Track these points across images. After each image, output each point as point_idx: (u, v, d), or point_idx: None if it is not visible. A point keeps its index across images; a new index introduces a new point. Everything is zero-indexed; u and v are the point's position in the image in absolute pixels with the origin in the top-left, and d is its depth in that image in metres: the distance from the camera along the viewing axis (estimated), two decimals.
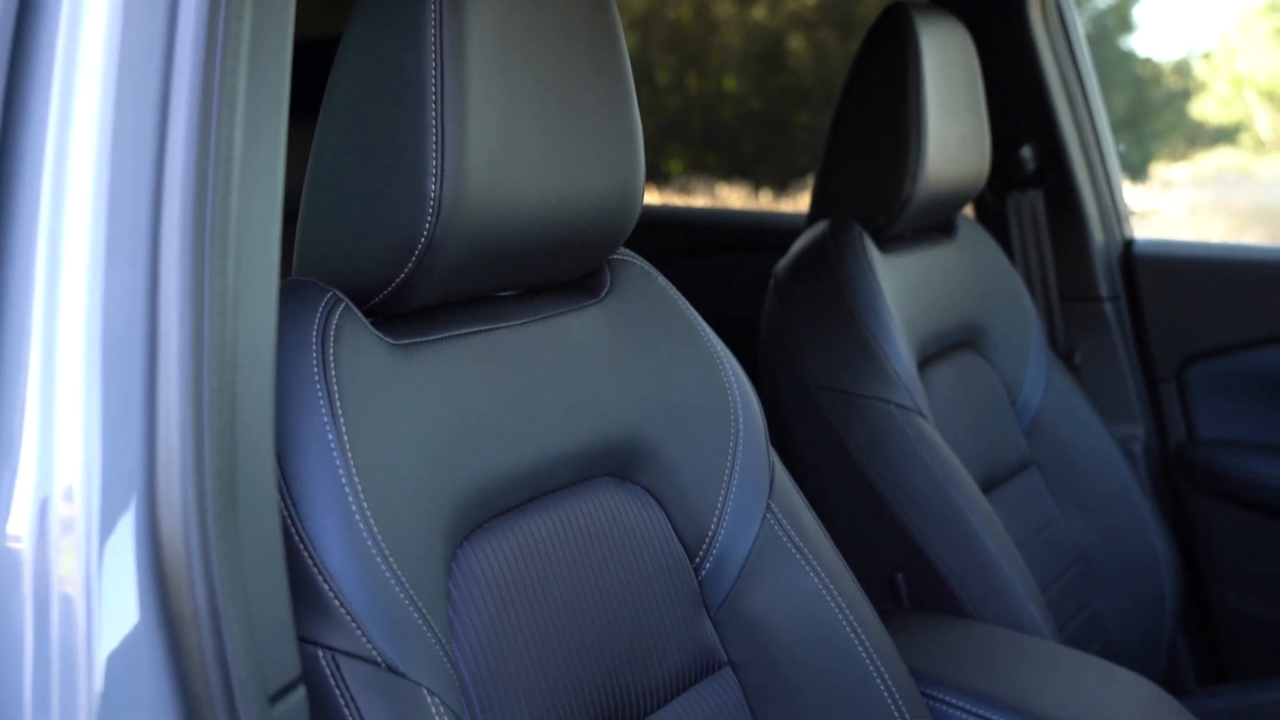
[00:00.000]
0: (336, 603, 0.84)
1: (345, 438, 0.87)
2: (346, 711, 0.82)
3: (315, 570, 0.83)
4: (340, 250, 0.96)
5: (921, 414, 1.67)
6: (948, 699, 1.33)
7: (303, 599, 0.83)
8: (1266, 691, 1.89)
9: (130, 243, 0.66)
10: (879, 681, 1.17)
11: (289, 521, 0.84)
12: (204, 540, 0.64)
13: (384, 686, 0.83)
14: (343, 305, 0.93)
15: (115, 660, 0.65)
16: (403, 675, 0.85)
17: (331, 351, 0.89)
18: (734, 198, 4.61)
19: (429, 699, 0.85)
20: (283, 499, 0.85)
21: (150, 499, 0.64)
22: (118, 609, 0.65)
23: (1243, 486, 2.10)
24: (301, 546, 0.84)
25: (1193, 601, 2.17)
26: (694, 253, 2.67)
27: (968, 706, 1.32)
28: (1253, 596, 2.11)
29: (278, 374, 0.79)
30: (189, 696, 0.64)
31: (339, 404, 0.88)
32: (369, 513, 0.86)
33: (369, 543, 0.86)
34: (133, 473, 0.65)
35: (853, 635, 1.17)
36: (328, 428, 0.87)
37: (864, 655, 1.17)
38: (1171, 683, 2.01)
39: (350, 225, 0.96)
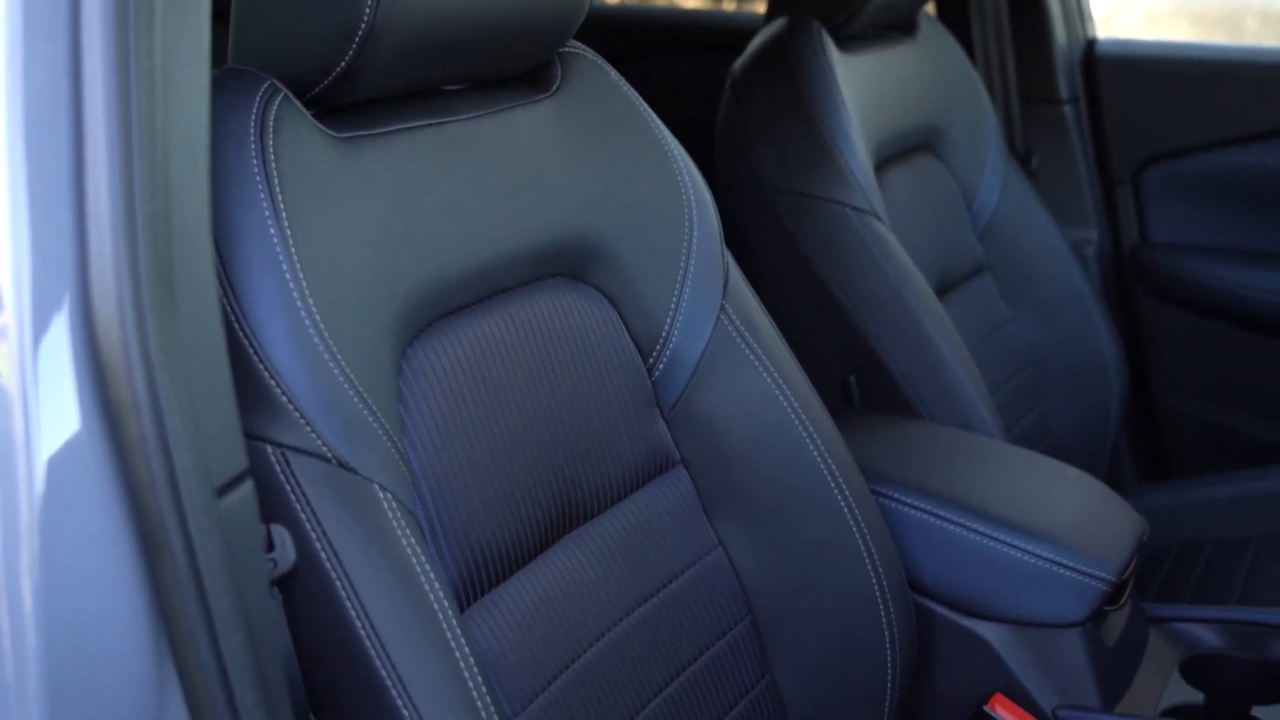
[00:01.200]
0: (284, 398, 0.82)
1: (288, 231, 0.85)
2: (298, 507, 0.81)
3: (261, 365, 0.82)
4: (278, 37, 0.92)
5: (877, 217, 1.65)
6: (897, 496, 1.35)
7: (249, 395, 0.81)
8: (1205, 488, 1.95)
9: (49, 17, 0.62)
10: (830, 479, 1.18)
11: (231, 316, 0.82)
12: (141, 330, 0.62)
13: (335, 482, 0.83)
14: (281, 95, 0.90)
15: (56, 459, 0.64)
16: (354, 471, 0.84)
17: (271, 142, 0.86)
18: None
19: (381, 495, 0.85)
20: (224, 293, 0.83)
21: (84, 289, 0.62)
22: (56, 405, 0.63)
23: (1193, 289, 2.12)
24: (246, 342, 0.82)
25: (1138, 403, 2.21)
26: (648, 53, 2.60)
27: (916, 503, 1.34)
28: (1197, 397, 2.15)
29: (214, 166, 0.76)
30: (133, 489, 0.63)
31: (280, 197, 0.85)
32: (314, 308, 0.85)
33: (315, 338, 0.84)
34: (64, 262, 0.63)
35: (805, 435, 1.18)
36: (269, 221, 0.84)
37: (815, 454, 1.18)
38: (1114, 482, 2.06)
39: (288, 10, 0.91)
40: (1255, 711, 1.35)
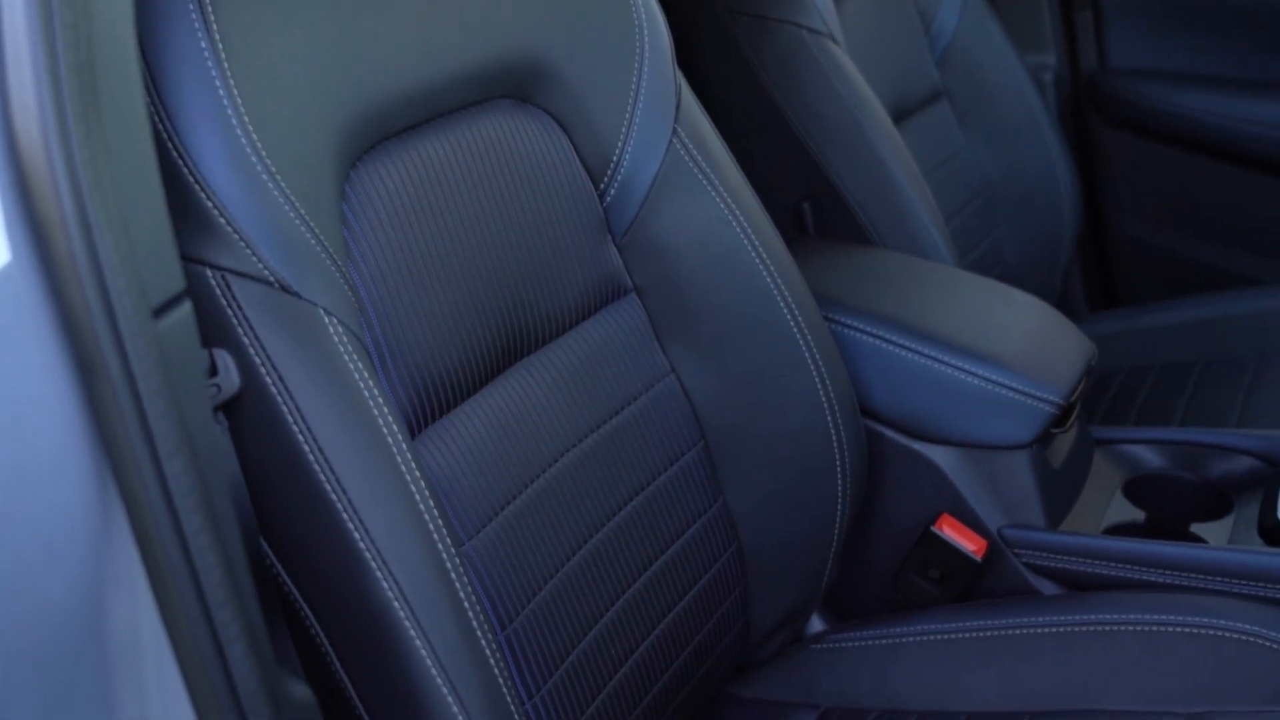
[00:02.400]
0: (222, 220, 0.80)
1: (220, 45, 0.81)
2: (240, 331, 0.80)
3: (197, 186, 0.79)
4: None
5: (834, 39, 1.62)
6: (849, 322, 1.35)
7: (186, 217, 0.79)
8: (1154, 314, 1.97)
9: None
10: (782, 305, 1.17)
11: (164, 135, 0.79)
12: (65, 144, 0.59)
13: (278, 306, 0.81)
14: None
15: None
16: (297, 295, 0.82)
17: None
18: None
19: (326, 319, 0.84)
20: (156, 112, 0.79)
21: (1, 100, 0.59)
22: None
23: (1150, 115, 2.10)
24: (179, 160, 0.79)
25: (1090, 230, 2.22)
26: None
27: (868, 329, 1.34)
28: (1150, 224, 2.16)
29: None
30: (67, 311, 0.62)
31: (210, 7, 0.81)
32: (250, 126, 0.82)
33: (253, 158, 0.81)
34: None
35: (757, 259, 1.17)
36: (199, 34, 0.80)
37: (768, 279, 1.17)
38: (1065, 308, 2.07)
39: None
40: (1194, 528, 1.39)
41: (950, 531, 1.30)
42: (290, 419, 0.80)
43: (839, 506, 1.23)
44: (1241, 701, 1.10)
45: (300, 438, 0.80)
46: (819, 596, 1.28)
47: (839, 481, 1.21)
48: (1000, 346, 1.34)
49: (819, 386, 1.19)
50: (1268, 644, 1.12)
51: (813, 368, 1.19)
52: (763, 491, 1.20)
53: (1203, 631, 1.15)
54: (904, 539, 1.34)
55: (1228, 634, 1.14)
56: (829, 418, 1.20)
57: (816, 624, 1.40)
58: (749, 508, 1.20)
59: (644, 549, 1.09)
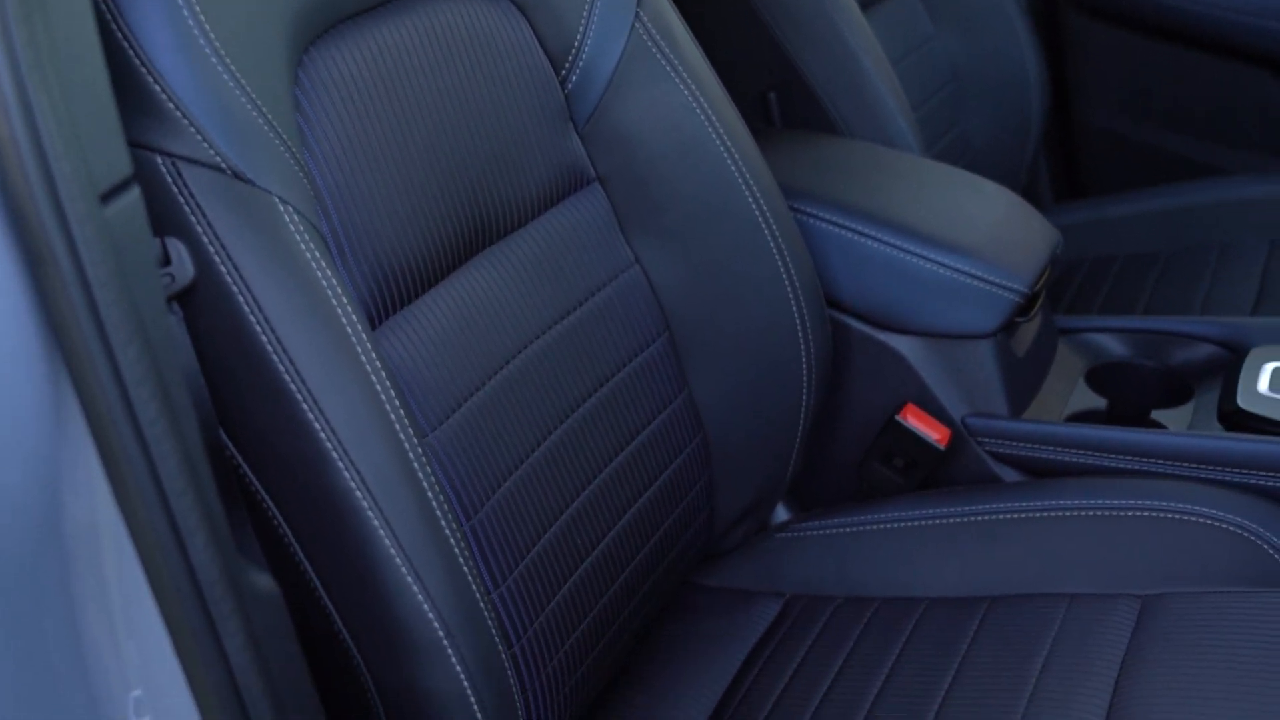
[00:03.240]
0: (170, 104, 0.78)
1: None
2: (193, 219, 0.78)
3: (143, 68, 0.77)
4: None
5: None
6: (814, 212, 1.34)
7: (133, 102, 0.77)
8: (1119, 205, 1.96)
9: None
10: (747, 194, 1.16)
11: (109, 19, 0.77)
12: (2, 22, 0.57)
13: (231, 193, 0.80)
14: None
15: None
16: (251, 182, 0.81)
17: None
18: None
19: (281, 207, 0.82)
20: None
21: None
22: None
23: (1121, 2, 2.08)
24: (124, 42, 0.77)
25: (1057, 120, 2.20)
26: None
27: (833, 219, 1.33)
28: (1116, 114, 2.15)
29: None
30: (11, 198, 0.60)
31: None
32: (198, 8, 0.79)
33: (201, 40, 0.79)
34: None
35: (722, 148, 1.16)
36: None
37: (732, 168, 1.16)
38: (1031, 199, 2.07)
39: None
40: (1155, 415, 1.40)
41: (914, 420, 1.31)
42: (247, 309, 0.79)
43: (804, 396, 1.23)
44: (1197, 583, 1.12)
45: (257, 328, 0.79)
46: (784, 486, 1.29)
47: (804, 371, 1.21)
48: (966, 235, 1.33)
49: (784, 276, 1.19)
50: (1224, 527, 1.14)
51: (778, 257, 1.18)
52: (728, 382, 1.20)
53: (1161, 516, 1.16)
54: (868, 428, 1.35)
55: (1186, 518, 1.15)
56: (794, 308, 1.19)
57: (782, 513, 1.41)
58: (714, 399, 1.20)
59: (609, 440, 1.09)
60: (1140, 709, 0.99)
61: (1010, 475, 1.30)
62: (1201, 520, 1.15)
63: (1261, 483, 1.18)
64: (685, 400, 1.19)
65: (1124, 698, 1.01)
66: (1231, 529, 1.13)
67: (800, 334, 1.20)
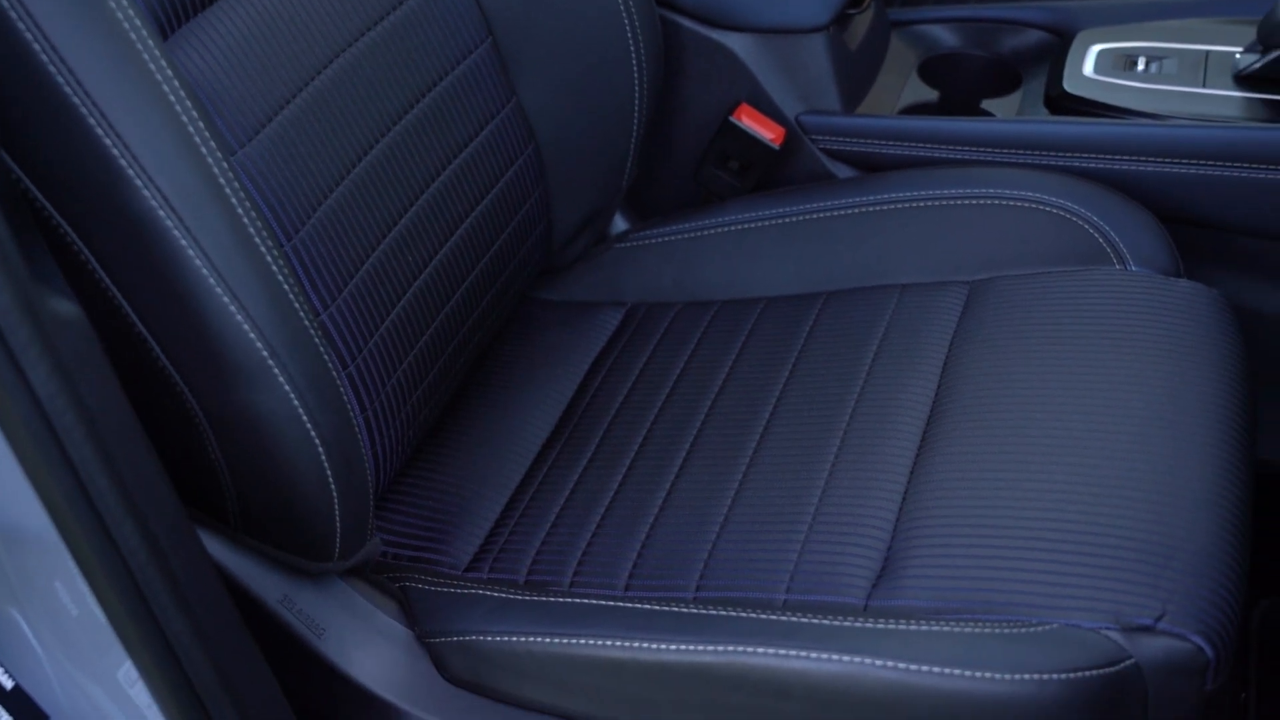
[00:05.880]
0: None
1: None
2: None
3: None
4: None
5: None
6: None
7: None
8: None
9: None
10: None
11: None
12: None
13: None
14: None
15: None
16: None
17: None
18: None
19: None
20: None
21: None
22: None
23: None
24: None
25: None
26: None
27: None
28: None
29: None
30: None
31: None
32: None
33: None
34: None
35: None
36: None
37: None
38: None
39: None
40: (984, 104, 1.41)
41: (749, 121, 1.29)
42: (14, 14, 0.72)
43: (636, 98, 1.19)
44: (1022, 265, 1.14)
45: (29, 35, 0.72)
46: (620, 194, 1.27)
47: (634, 71, 1.18)
48: None
49: None
50: (1047, 209, 1.16)
51: None
52: (556, 87, 1.16)
53: (989, 202, 1.18)
54: (703, 131, 1.32)
55: (1012, 203, 1.17)
56: (621, 4, 1.15)
57: (620, 224, 1.39)
58: (543, 104, 1.16)
59: (436, 153, 1.05)
60: (969, 385, 1.02)
61: (845, 172, 1.30)
62: (1027, 205, 1.17)
63: (1086, 165, 1.20)
64: (514, 109, 1.15)
65: (951, 375, 1.04)
66: (1057, 212, 1.16)
67: (629, 32, 1.16)
